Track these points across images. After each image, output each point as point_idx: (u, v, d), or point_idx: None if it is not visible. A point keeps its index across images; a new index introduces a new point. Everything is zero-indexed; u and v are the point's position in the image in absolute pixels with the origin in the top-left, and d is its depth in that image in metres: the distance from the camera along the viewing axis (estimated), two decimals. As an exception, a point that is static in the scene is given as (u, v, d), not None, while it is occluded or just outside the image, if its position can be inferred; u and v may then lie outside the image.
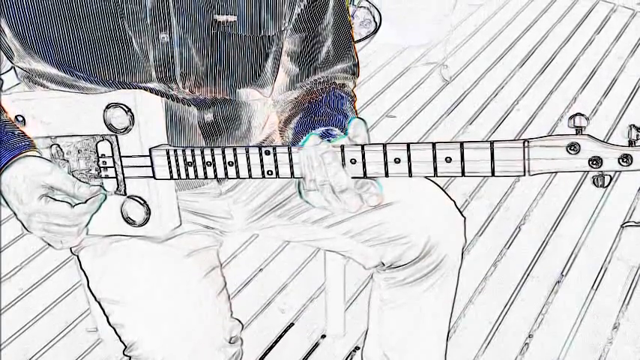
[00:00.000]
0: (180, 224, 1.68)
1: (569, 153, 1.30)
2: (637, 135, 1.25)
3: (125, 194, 1.62)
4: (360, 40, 3.42)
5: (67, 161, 1.62)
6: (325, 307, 2.19)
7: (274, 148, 1.47)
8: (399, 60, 4.00)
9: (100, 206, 1.58)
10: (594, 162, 1.31)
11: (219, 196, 1.82)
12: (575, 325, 2.33)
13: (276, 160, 1.48)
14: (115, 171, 1.60)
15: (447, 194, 1.73)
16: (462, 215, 1.75)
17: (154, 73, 1.60)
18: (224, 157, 1.50)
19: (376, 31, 3.55)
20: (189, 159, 1.53)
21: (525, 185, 3.02)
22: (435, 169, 1.38)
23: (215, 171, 1.52)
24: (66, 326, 2.61)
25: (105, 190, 1.60)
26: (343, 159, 1.43)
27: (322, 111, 1.72)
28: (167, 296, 1.67)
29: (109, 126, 1.56)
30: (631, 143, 1.26)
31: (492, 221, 2.78)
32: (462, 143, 1.36)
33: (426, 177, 1.56)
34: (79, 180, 1.58)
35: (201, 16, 1.57)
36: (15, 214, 1.57)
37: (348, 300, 2.34)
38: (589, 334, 2.39)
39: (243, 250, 2.81)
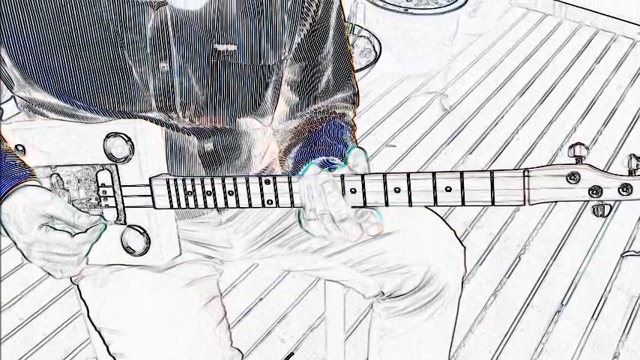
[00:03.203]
0: (180, 254, 1.67)
1: (570, 182, 1.30)
2: (637, 164, 1.25)
3: (125, 224, 1.61)
4: (360, 70, 3.43)
5: (67, 190, 1.62)
6: (325, 337, 2.18)
7: (274, 178, 1.47)
8: (398, 89, 4.01)
9: (100, 235, 1.58)
10: (594, 191, 1.31)
11: (219, 225, 1.82)
12: (575, 355, 2.32)
13: (276, 190, 1.48)
14: (115, 200, 1.60)
15: (447, 223, 1.73)
16: (462, 245, 1.75)
17: (153, 103, 1.60)
18: (224, 187, 1.50)
19: (376, 61, 3.56)
20: (189, 188, 1.54)
21: (525, 215, 3.02)
22: (435, 198, 1.38)
23: (215, 200, 1.52)
24: (66, 355, 2.60)
25: (105, 219, 1.60)
26: (343, 188, 1.43)
27: (322, 140, 1.72)
28: (167, 325, 1.66)
29: (109, 155, 1.56)
30: (631, 173, 1.26)
31: (492, 251, 2.77)
32: (461, 173, 1.36)
33: (426, 206, 1.55)
34: (79, 209, 1.58)
35: (201, 45, 1.58)
36: (15, 243, 1.57)
37: (348, 329, 2.34)
38: (589, 364, 2.39)
39: (243, 279, 2.81)
